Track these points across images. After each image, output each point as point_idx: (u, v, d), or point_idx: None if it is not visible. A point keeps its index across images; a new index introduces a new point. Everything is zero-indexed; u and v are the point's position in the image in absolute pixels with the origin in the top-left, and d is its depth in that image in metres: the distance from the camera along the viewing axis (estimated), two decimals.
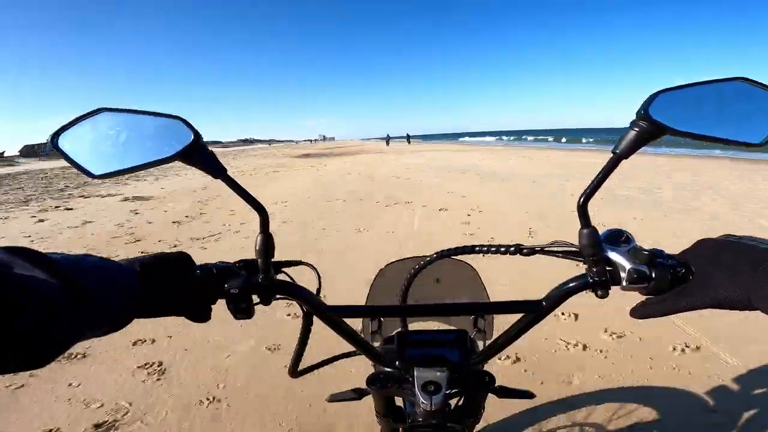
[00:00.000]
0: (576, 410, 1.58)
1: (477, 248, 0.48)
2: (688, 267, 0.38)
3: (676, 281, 0.39)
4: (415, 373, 0.53)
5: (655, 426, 1.49)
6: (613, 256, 0.41)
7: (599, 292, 0.42)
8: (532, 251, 0.45)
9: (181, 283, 0.40)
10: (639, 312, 0.41)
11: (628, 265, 0.39)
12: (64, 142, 0.41)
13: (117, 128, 0.41)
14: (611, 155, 0.40)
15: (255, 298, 0.44)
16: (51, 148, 0.40)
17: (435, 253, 0.53)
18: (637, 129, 0.38)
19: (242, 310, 0.43)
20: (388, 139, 33.61)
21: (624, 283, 0.40)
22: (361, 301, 0.68)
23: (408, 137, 38.45)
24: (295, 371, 0.61)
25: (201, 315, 0.43)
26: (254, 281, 0.44)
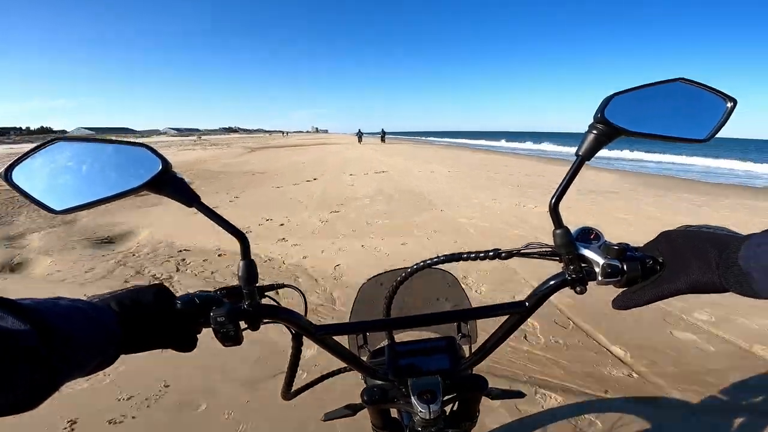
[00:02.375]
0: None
1: (456, 256, 0.49)
2: (655, 258, 0.41)
3: (647, 272, 0.41)
4: (409, 383, 0.53)
5: None
6: (587, 253, 0.43)
7: (578, 288, 0.43)
8: (510, 254, 0.47)
9: (162, 319, 0.40)
10: (620, 303, 0.43)
11: (601, 261, 0.41)
12: (19, 177, 0.39)
13: (76, 159, 0.40)
14: (575, 157, 0.42)
15: (242, 324, 0.44)
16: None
17: (415, 265, 0.53)
18: (595, 132, 0.41)
19: (230, 338, 0.42)
20: (360, 135, 30.17)
21: (599, 278, 0.42)
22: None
23: (383, 134, 31.22)
24: (287, 393, 0.60)
25: (187, 345, 0.42)
26: (240, 308, 0.43)
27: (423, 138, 67.29)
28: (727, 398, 1.70)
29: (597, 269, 0.42)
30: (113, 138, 0.40)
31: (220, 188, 7.63)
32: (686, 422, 1.57)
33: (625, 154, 20.47)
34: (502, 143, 36.31)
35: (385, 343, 0.60)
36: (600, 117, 0.40)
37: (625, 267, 0.41)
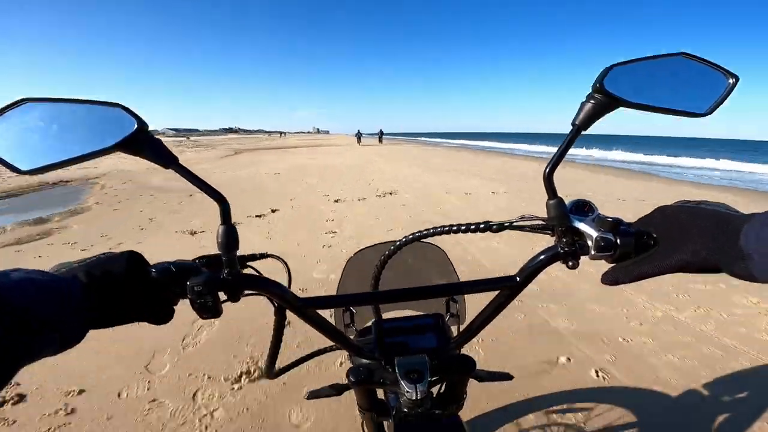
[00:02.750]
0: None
1: (447, 228, 0.47)
2: (649, 234, 0.40)
3: (640, 248, 0.40)
4: (396, 362, 0.52)
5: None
6: (580, 225, 0.41)
7: (570, 263, 0.42)
8: (501, 227, 0.45)
9: (135, 289, 0.37)
10: (610, 278, 0.42)
11: (595, 234, 0.40)
12: None
13: (47, 119, 0.37)
14: (571, 126, 0.41)
15: (222, 296, 0.41)
16: None
17: (404, 237, 0.52)
18: (593, 101, 0.39)
19: (208, 309, 0.40)
20: (359, 136, 31.98)
21: (592, 252, 0.41)
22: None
23: (380, 134, 33.97)
24: (271, 371, 0.58)
25: (162, 318, 0.40)
26: (219, 277, 0.40)
27: (422, 139, 65.44)
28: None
29: (590, 242, 0.40)
30: (87, 98, 0.38)
31: (108, 223, 4.92)
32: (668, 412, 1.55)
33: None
34: (517, 146, 34.02)
35: (372, 321, 0.58)
36: (599, 86, 0.39)
37: (618, 241, 0.39)
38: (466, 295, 0.68)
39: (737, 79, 0.43)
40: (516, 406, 1.61)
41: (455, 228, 0.47)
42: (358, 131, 32.65)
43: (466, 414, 1.49)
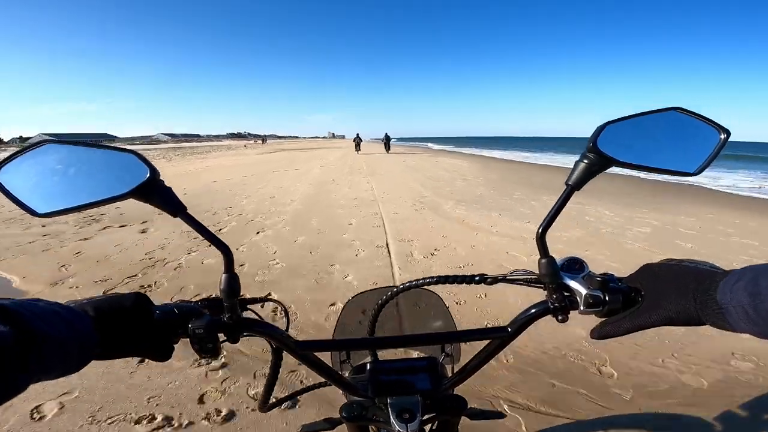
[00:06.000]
0: None
1: (443, 278, 0.49)
2: (637, 290, 0.41)
3: (628, 303, 0.41)
4: (388, 402, 0.53)
5: None
6: (571, 283, 0.43)
7: (560, 317, 0.44)
8: (495, 280, 0.47)
9: (139, 328, 0.39)
10: (598, 333, 0.43)
11: (584, 291, 0.41)
12: (6, 177, 0.39)
13: (65, 163, 0.39)
14: (565, 187, 0.42)
15: (221, 337, 0.43)
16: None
17: (402, 284, 0.53)
18: (586, 161, 0.41)
19: (208, 350, 0.42)
20: (358, 143, 24.97)
21: (582, 308, 0.42)
22: None
23: (387, 140, 25.63)
24: (264, 405, 0.59)
25: (162, 355, 0.42)
26: (220, 320, 0.42)
27: (430, 145, 54.58)
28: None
29: (580, 299, 0.42)
30: (102, 143, 0.40)
31: None
32: None
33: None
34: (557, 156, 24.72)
35: (368, 359, 0.60)
36: (592, 146, 0.41)
37: (607, 297, 0.41)
38: None
39: (729, 134, 0.44)
40: None
41: (451, 278, 0.48)
42: (357, 135, 25.81)
43: None
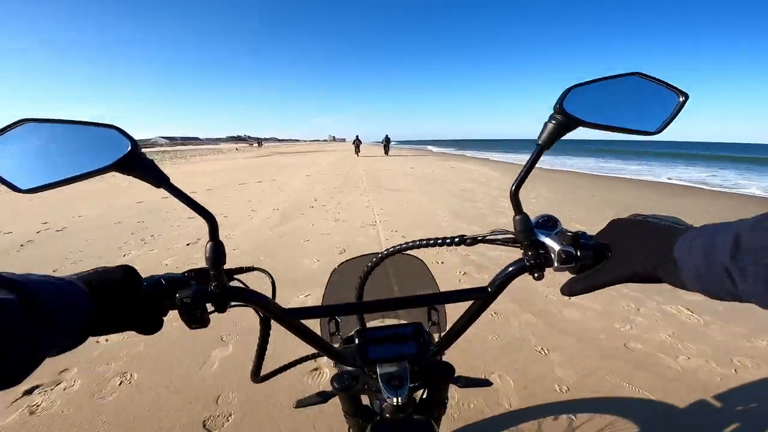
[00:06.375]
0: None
1: (425, 242, 0.51)
2: (606, 246, 0.42)
3: (598, 259, 0.42)
4: (377, 370, 0.54)
5: None
6: (545, 239, 0.44)
7: (536, 274, 0.45)
8: (474, 240, 0.49)
9: (130, 300, 0.40)
10: (568, 289, 0.44)
11: (557, 247, 0.43)
12: None
13: (45, 139, 0.40)
14: (536, 146, 0.44)
15: (209, 307, 0.44)
16: None
17: (385, 250, 0.55)
18: (554, 122, 0.43)
19: (196, 320, 0.42)
20: (357, 145, 24.04)
21: (555, 264, 0.43)
22: None
23: (386, 142, 24.70)
24: (257, 376, 0.60)
25: (152, 327, 0.42)
26: (207, 289, 0.43)
27: (430, 147, 52.86)
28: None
29: (553, 255, 0.43)
30: (83, 119, 0.40)
31: None
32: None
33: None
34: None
35: (356, 329, 0.61)
36: (559, 107, 0.42)
37: (579, 253, 0.42)
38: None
39: (687, 97, 0.47)
40: None
41: (433, 242, 0.50)
42: (357, 138, 24.69)
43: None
